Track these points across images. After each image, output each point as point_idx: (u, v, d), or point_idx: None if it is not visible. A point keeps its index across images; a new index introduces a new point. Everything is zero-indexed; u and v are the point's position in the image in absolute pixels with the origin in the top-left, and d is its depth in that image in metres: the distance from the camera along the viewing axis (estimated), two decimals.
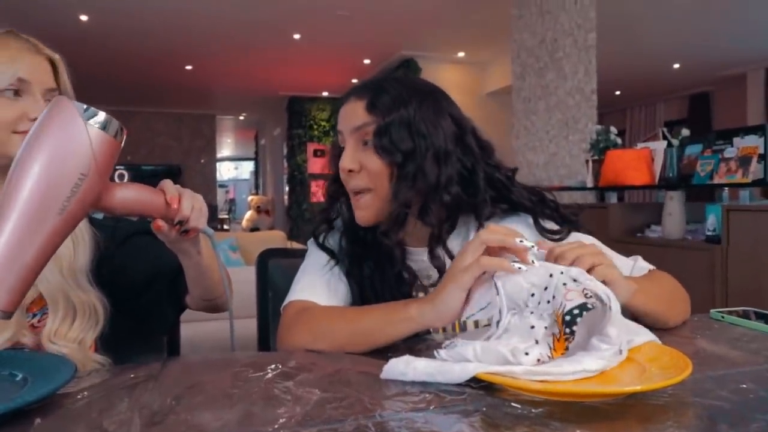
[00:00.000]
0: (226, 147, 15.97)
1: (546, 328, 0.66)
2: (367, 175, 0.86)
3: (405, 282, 0.89)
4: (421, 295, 0.92)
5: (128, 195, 0.69)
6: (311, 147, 9.32)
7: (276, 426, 0.52)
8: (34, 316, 0.86)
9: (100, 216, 0.94)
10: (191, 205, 0.75)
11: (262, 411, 0.56)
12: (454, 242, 0.90)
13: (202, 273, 0.86)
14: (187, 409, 0.57)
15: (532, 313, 0.67)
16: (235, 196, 17.36)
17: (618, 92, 8.89)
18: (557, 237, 0.89)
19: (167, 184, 0.74)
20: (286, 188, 9.76)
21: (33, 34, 0.91)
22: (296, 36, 6.21)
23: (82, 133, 0.61)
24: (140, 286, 0.94)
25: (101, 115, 0.62)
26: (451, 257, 0.87)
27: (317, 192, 9.21)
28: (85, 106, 0.62)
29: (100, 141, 0.61)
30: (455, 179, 0.86)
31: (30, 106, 0.85)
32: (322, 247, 0.95)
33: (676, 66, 7.47)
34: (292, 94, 9.18)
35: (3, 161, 0.82)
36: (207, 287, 0.89)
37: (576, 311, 0.64)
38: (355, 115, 0.87)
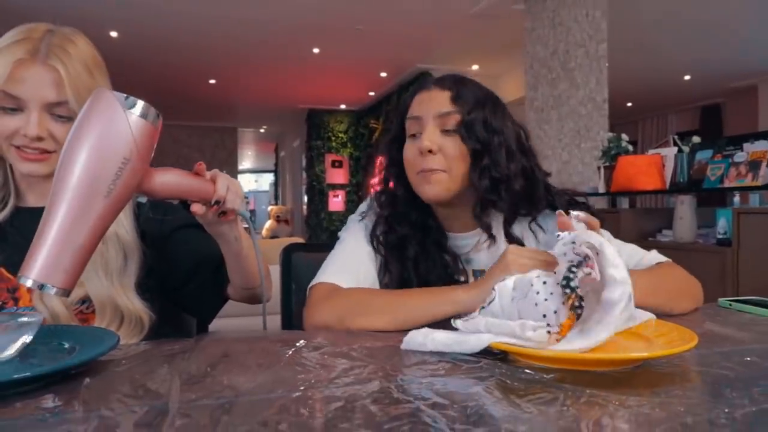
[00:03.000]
0: (247, 159, 16.17)
1: (554, 308, 0.67)
2: (443, 158, 0.95)
3: (449, 264, 0.98)
4: (461, 279, 0.99)
5: (168, 179, 0.74)
6: (329, 158, 9.45)
7: (305, 386, 0.56)
8: (83, 303, 0.91)
9: (143, 200, 1.00)
10: (226, 186, 0.79)
11: (291, 375, 0.60)
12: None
13: (241, 259, 0.90)
14: (222, 373, 0.61)
15: (538, 293, 0.69)
16: (255, 207, 17.58)
17: (630, 104, 8.88)
18: None
19: (202, 166, 0.79)
20: (305, 198, 9.90)
21: None
22: (315, 50, 6.33)
23: (123, 120, 0.65)
24: (186, 275, 0.99)
25: (140, 103, 0.66)
26: (512, 242, 0.97)
27: (335, 201, 9.32)
28: (124, 96, 0.66)
29: (140, 127, 0.66)
30: (519, 174, 0.97)
31: (23, 123, 0.86)
32: (375, 234, 1.01)
33: (688, 77, 7.46)
34: (310, 106, 9.34)
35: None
36: (246, 275, 0.93)
37: (573, 269, 0.64)
38: (439, 102, 0.96)
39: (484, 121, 0.95)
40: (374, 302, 0.85)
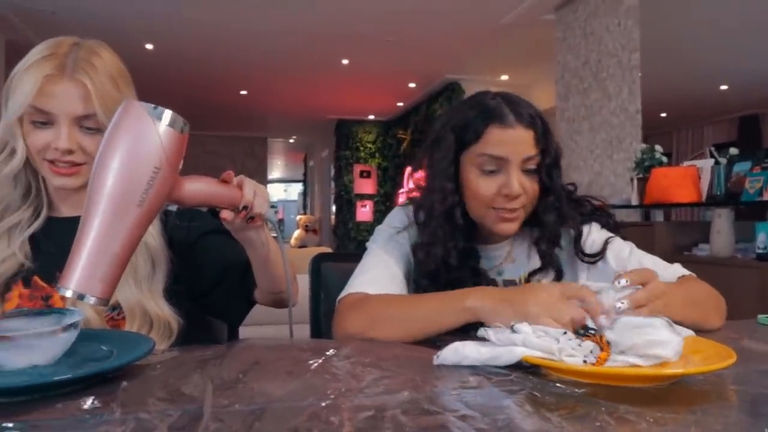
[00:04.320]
0: (276, 169, 16.38)
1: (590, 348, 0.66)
2: (525, 197, 0.97)
3: (479, 282, 0.98)
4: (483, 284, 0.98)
5: (197, 187, 0.75)
6: (357, 168, 9.51)
7: (335, 395, 0.56)
8: (114, 309, 0.94)
9: (173, 208, 1.02)
10: (253, 191, 0.80)
11: (321, 384, 0.61)
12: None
13: (268, 264, 0.92)
14: (253, 379, 0.62)
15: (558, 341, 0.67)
16: (284, 216, 17.79)
17: (664, 114, 8.70)
18: (594, 259, 1.00)
19: (230, 174, 0.80)
20: (333, 208, 9.97)
21: None
22: (345, 61, 6.40)
23: (152, 130, 0.66)
24: (213, 280, 1.01)
25: (167, 113, 0.67)
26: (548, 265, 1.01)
27: (363, 211, 9.38)
28: (152, 106, 0.67)
29: (169, 136, 0.67)
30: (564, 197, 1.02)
31: (54, 137, 0.89)
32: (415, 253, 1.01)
33: (724, 87, 7.27)
34: (339, 117, 9.43)
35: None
36: (273, 279, 0.95)
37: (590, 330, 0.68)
38: (526, 144, 0.96)
39: (555, 159, 0.99)
40: (390, 313, 0.85)
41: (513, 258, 1.06)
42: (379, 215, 9.25)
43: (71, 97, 0.88)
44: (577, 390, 0.58)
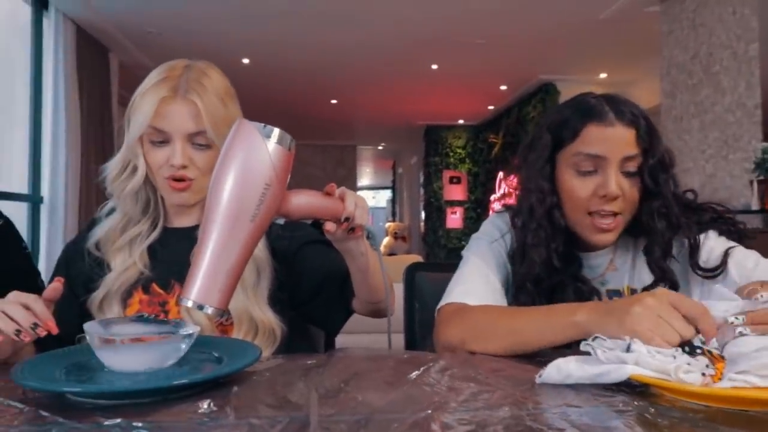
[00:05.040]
0: (365, 176, 16.69)
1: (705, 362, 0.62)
2: (623, 201, 0.92)
3: (582, 290, 0.94)
4: (594, 299, 0.94)
5: (302, 200, 0.78)
6: (447, 174, 9.44)
7: (434, 407, 0.56)
8: (222, 315, 1.00)
9: (281, 221, 1.07)
10: (354, 203, 0.83)
11: (420, 395, 0.61)
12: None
13: (366, 275, 0.94)
14: (355, 389, 0.64)
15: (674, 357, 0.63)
16: (373, 224, 18.08)
17: None
18: (713, 273, 0.90)
19: (333, 185, 0.83)
20: (422, 215, 9.96)
21: None
22: (434, 66, 6.41)
23: (263, 149, 0.70)
24: (313, 289, 1.05)
25: (276, 131, 0.70)
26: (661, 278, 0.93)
27: (453, 218, 9.29)
28: (262, 125, 0.71)
29: (278, 154, 0.70)
30: (674, 203, 0.94)
31: (170, 154, 0.96)
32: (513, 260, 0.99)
33: None
34: (428, 123, 9.43)
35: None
36: (371, 289, 0.97)
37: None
38: (626, 143, 0.91)
39: (660, 161, 0.92)
40: (492, 326, 0.83)
41: (615, 266, 1.01)
42: (470, 222, 9.12)
43: (184, 115, 0.95)
44: (693, 415, 0.54)
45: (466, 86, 7.31)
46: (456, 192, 9.38)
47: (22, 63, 4.14)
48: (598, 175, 0.91)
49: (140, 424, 0.52)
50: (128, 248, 1.02)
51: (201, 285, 0.67)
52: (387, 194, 16.96)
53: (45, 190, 4.14)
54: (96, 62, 4.83)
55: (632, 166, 0.91)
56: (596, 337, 0.67)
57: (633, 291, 0.99)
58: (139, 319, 0.98)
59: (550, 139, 0.96)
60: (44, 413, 0.55)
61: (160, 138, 0.97)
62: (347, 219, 0.82)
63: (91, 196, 4.45)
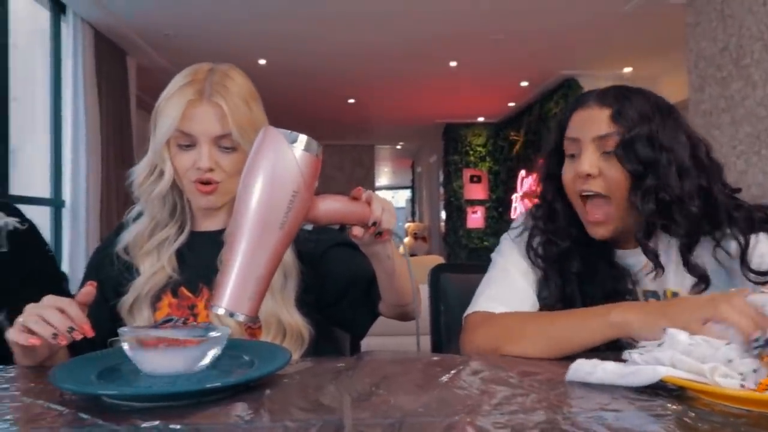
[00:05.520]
0: (383, 176, 16.68)
1: (753, 367, 0.60)
2: (603, 181, 0.90)
3: (618, 282, 0.92)
4: (630, 300, 0.92)
5: (330, 206, 0.78)
6: (467, 173, 9.35)
7: (467, 411, 0.56)
8: (253, 321, 1.00)
9: (309, 227, 1.07)
10: (381, 207, 0.82)
11: (453, 399, 0.61)
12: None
13: (393, 278, 0.94)
14: (386, 392, 0.64)
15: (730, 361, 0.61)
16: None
17: None
18: (766, 278, 0.86)
19: (359, 189, 0.83)
20: (443, 215, 9.88)
21: None
22: (453, 64, 6.37)
23: (290, 156, 0.70)
24: (339, 292, 1.05)
25: (302, 138, 0.70)
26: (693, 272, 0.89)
27: (474, 217, 9.21)
28: (289, 132, 0.70)
29: (305, 160, 0.70)
30: (695, 194, 0.88)
31: (197, 157, 0.96)
32: (532, 247, 0.98)
33: None
34: (447, 121, 9.36)
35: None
36: (397, 292, 0.96)
37: None
38: (597, 123, 0.91)
39: (648, 138, 0.88)
40: (527, 328, 0.83)
41: (650, 267, 0.98)
42: (492, 221, 9.03)
43: (210, 118, 0.96)
44: (734, 419, 0.53)
45: (485, 83, 7.25)
46: (476, 191, 9.29)
47: (41, 68, 4.20)
48: (579, 158, 0.92)
49: (178, 427, 0.53)
50: (156, 252, 1.04)
51: (231, 293, 0.68)
52: (406, 194, 16.90)
53: (67, 194, 4.19)
54: (114, 65, 4.89)
55: (609, 146, 0.89)
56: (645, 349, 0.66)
57: (674, 294, 0.95)
58: (169, 322, 1.00)
59: (558, 134, 0.99)
60: (84, 416, 0.56)
61: (187, 141, 0.97)
62: (374, 223, 0.82)
63: (111, 199, 4.50)
